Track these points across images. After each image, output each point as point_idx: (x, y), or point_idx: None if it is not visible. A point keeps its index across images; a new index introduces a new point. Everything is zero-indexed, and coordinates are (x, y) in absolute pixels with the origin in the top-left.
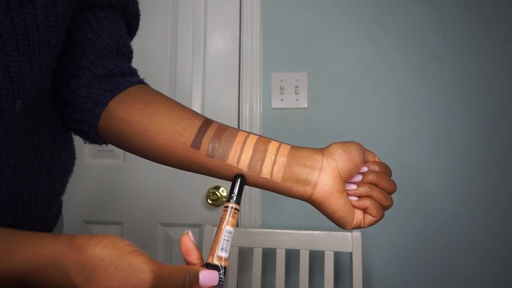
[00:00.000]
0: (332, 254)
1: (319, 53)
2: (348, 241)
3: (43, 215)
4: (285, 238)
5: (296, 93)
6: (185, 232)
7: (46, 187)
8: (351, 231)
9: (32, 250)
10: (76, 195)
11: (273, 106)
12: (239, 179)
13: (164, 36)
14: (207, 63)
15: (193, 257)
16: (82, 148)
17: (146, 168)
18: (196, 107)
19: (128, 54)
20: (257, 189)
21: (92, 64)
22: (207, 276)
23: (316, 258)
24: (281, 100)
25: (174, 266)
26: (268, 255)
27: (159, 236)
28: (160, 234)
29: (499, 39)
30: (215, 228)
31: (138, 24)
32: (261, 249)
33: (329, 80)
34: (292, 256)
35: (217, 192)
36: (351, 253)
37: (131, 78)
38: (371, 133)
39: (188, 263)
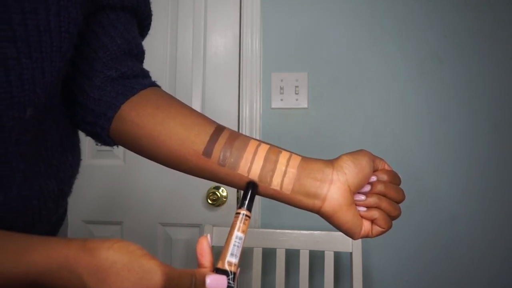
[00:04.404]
0: (332, 254)
1: (319, 53)
2: (348, 241)
3: (51, 218)
4: (285, 238)
5: (296, 93)
6: (205, 234)
7: (54, 190)
8: None
9: (45, 253)
10: (76, 195)
11: (273, 106)
12: (252, 187)
13: (164, 36)
14: (207, 63)
15: (206, 259)
16: (82, 148)
17: (146, 168)
18: (196, 107)
19: (140, 55)
20: None
21: (105, 66)
22: (214, 281)
23: (316, 258)
24: (281, 100)
25: (183, 270)
26: (268, 255)
27: (159, 236)
28: (160, 234)
29: (499, 39)
30: (215, 228)
31: (150, 24)
32: (261, 249)
33: (329, 80)
34: (292, 256)
35: (217, 192)
36: (351, 253)
37: (144, 81)
38: (371, 133)
39: (199, 264)
